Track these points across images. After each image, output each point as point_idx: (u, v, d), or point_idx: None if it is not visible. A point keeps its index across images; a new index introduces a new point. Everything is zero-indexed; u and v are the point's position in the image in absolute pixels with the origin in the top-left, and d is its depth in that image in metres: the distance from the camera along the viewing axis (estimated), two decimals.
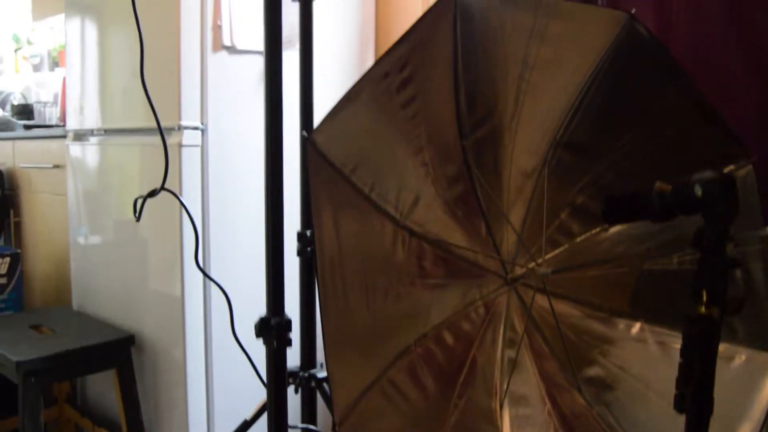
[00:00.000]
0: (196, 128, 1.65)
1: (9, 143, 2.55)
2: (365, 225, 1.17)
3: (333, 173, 1.06)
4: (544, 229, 1.36)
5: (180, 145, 1.62)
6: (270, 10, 1.06)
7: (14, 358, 1.58)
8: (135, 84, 1.71)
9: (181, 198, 1.46)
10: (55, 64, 3.79)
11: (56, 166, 2.25)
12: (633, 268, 1.39)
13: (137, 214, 1.29)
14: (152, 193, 1.27)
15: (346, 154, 1.06)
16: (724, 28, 1.47)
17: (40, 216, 2.42)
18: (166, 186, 1.24)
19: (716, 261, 0.91)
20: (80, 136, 2.01)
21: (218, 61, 1.68)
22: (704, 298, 0.90)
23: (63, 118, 2.66)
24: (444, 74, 1.18)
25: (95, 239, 2.03)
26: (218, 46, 1.68)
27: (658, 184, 1.00)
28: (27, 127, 2.46)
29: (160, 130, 1.25)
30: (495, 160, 1.33)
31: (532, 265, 1.33)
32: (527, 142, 1.35)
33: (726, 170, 1.35)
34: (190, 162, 1.64)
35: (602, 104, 1.34)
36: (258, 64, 1.77)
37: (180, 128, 1.62)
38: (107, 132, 1.89)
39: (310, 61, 1.49)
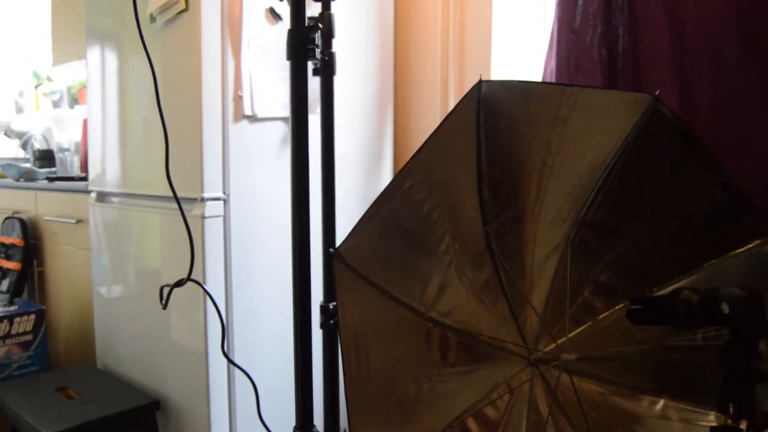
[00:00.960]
0: (218, 199, 1.67)
1: (32, 193, 2.59)
2: (389, 319, 1.18)
3: (357, 279, 1.07)
4: (567, 308, 1.37)
5: (203, 217, 1.64)
6: (296, 81, 1.05)
7: (44, 431, 1.61)
8: (156, 151, 1.74)
9: (205, 287, 1.48)
10: (74, 101, 3.83)
11: (79, 221, 2.28)
12: (657, 344, 1.39)
13: (164, 303, 1.31)
14: (179, 283, 1.29)
15: (369, 260, 1.08)
16: (751, 107, 1.46)
17: (64, 267, 2.45)
18: (189, 256, 1.26)
19: (743, 377, 0.91)
20: (102, 196, 2.04)
21: (239, 130, 1.70)
22: (731, 411, 0.90)
23: (84, 166, 2.69)
24: (467, 169, 1.19)
25: (118, 296, 2.06)
26: (239, 116, 1.70)
27: (685, 292, 1.00)
28: (50, 179, 2.49)
29: (186, 224, 1.26)
30: (518, 243, 1.34)
31: (553, 346, 1.34)
32: (550, 222, 1.36)
33: (751, 245, 1.35)
34: (212, 233, 1.66)
35: (626, 184, 1.34)
36: (278, 129, 1.79)
37: (202, 200, 1.64)
38: (129, 195, 1.92)
39: (331, 124, 1.50)
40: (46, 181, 2.52)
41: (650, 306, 1.05)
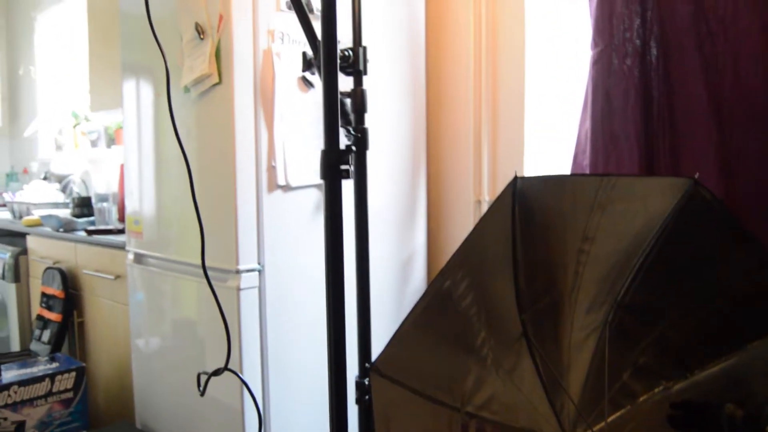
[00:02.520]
0: (253, 270, 1.68)
1: (72, 244, 2.64)
2: (425, 416, 1.17)
3: (394, 385, 1.06)
4: (606, 392, 1.34)
5: (238, 289, 1.65)
6: (331, 200, 1.05)
7: None
8: (192, 219, 1.76)
9: (242, 376, 1.49)
10: (111, 140, 3.91)
11: (118, 277, 2.32)
12: None
13: (201, 390, 1.32)
14: (216, 373, 1.30)
15: (405, 365, 1.07)
16: None
17: (103, 320, 2.49)
18: (227, 339, 1.27)
19: None
20: (140, 257, 2.07)
21: (273, 200, 1.71)
22: None
23: (121, 214, 2.75)
24: (504, 263, 1.18)
25: (156, 352, 2.08)
26: (273, 185, 1.71)
27: (729, 407, 0.97)
28: (89, 232, 2.53)
29: (222, 315, 1.27)
30: (554, 329, 1.32)
31: None
32: (587, 307, 1.34)
33: None
34: (248, 304, 1.67)
35: (665, 266, 1.32)
36: (311, 196, 1.80)
37: (238, 272, 1.65)
38: (166, 260, 1.94)
39: (364, 199, 1.49)
40: (84, 233, 2.57)
41: (692, 413, 1.02)
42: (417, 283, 2.13)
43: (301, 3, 1.37)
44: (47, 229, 2.84)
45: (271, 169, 1.71)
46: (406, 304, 2.09)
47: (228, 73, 1.64)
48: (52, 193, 3.43)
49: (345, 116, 1.50)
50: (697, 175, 1.28)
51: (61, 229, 2.73)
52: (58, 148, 4.47)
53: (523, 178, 1.13)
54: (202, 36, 1.70)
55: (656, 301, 1.35)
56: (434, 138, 2.20)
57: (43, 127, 4.52)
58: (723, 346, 1.34)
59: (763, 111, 1.54)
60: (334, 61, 1.03)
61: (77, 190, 3.40)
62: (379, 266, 1.95)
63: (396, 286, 2.06)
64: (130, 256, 2.10)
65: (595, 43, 1.77)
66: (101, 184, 3.43)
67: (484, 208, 2.07)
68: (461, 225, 2.15)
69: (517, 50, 1.99)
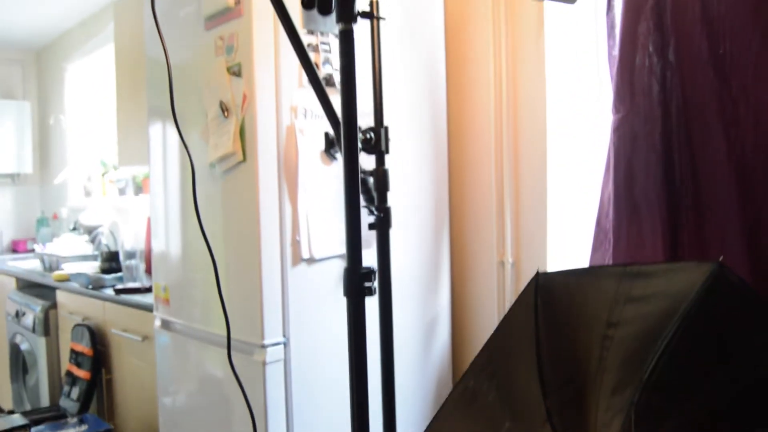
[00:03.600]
0: (278, 344, 1.69)
1: (100, 302, 2.68)
2: None
3: None
4: None
5: (264, 364, 1.67)
6: (354, 317, 1.07)
7: None
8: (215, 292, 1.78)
9: None
10: (139, 189, 3.99)
11: (145, 338, 2.35)
12: None
13: None
14: None
15: None
16: None
17: (131, 379, 2.52)
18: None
19: None
20: (167, 323, 2.10)
21: (297, 273, 1.73)
22: None
23: (148, 266, 2.79)
24: (528, 355, 1.18)
25: (184, 416, 2.09)
26: (297, 259, 1.73)
27: None
28: (117, 291, 2.58)
29: (247, 403, 1.28)
30: (579, 414, 1.31)
31: None
32: (612, 389, 1.33)
33: None
34: (273, 378, 1.68)
35: (692, 347, 1.31)
36: (335, 267, 1.81)
37: (263, 347, 1.67)
38: (192, 329, 1.96)
39: (388, 278, 1.50)
40: (113, 292, 2.61)
41: None
42: (441, 347, 2.13)
43: (322, 87, 1.39)
44: (76, 285, 2.89)
45: (296, 243, 1.73)
46: (430, 369, 2.09)
47: (252, 151, 1.68)
48: (81, 245, 3.50)
49: (367, 193, 1.52)
50: (721, 258, 1.28)
51: (90, 286, 2.77)
52: (87, 194, 4.56)
53: (545, 273, 1.14)
54: (226, 114, 1.74)
55: (683, 381, 1.33)
56: (457, 199, 2.21)
57: (73, 174, 4.62)
58: (752, 425, 1.32)
59: None
60: (355, 155, 1.04)
61: (105, 242, 3.46)
62: (403, 330, 1.95)
63: (420, 350, 2.06)
64: (158, 322, 2.13)
65: (616, 108, 1.77)
66: (129, 236, 3.50)
67: (508, 269, 2.07)
68: (485, 286, 2.15)
69: (538, 111, 2.00)
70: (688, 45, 1.64)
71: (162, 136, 2.14)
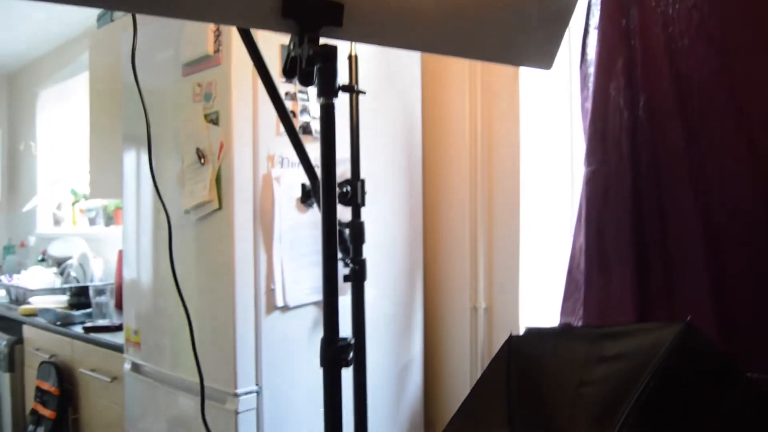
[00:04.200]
0: (251, 392, 1.68)
1: (68, 340, 2.63)
2: None
3: None
4: None
5: (236, 413, 1.65)
6: (329, 388, 1.06)
7: None
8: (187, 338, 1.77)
9: None
10: (110, 219, 3.94)
11: (114, 379, 2.31)
12: None
13: None
14: None
15: None
16: None
17: (99, 420, 2.47)
18: None
19: None
20: (138, 367, 2.07)
21: (271, 321, 1.72)
22: None
23: (118, 302, 2.75)
24: (498, 416, 1.19)
25: None
26: (271, 307, 1.73)
27: None
28: (86, 329, 2.53)
29: None
30: None
31: None
32: None
33: None
34: (245, 427, 1.67)
35: (659, 406, 1.33)
36: (309, 314, 1.81)
37: (236, 395, 1.66)
38: (164, 374, 1.94)
39: (362, 335, 1.51)
40: (81, 329, 2.56)
41: None
42: (414, 393, 2.13)
43: (299, 139, 1.40)
44: (44, 321, 2.83)
45: (270, 292, 1.72)
46: (402, 415, 2.09)
47: (228, 200, 1.68)
48: (49, 277, 3.44)
49: (343, 244, 1.53)
50: (689, 318, 1.31)
51: (58, 323, 2.72)
52: (56, 223, 4.50)
53: (518, 336, 1.15)
54: (202, 161, 1.74)
55: None
56: (431, 245, 2.22)
57: (42, 202, 4.55)
58: None
59: (751, 231, 1.57)
60: (333, 232, 1.05)
61: (75, 274, 3.41)
62: (375, 374, 1.95)
63: (393, 397, 2.06)
64: (128, 365, 2.10)
65: (589, 161, 1.81)
66: (99, 269, 3.45)
67: (480, 314, 2.09)
68: (458, 331, 2.16)
69: (512, 161, 2.04)
70: (658, 102, 1.69)
71: (136, 171, 2.12)
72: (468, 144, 2.12)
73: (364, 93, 1.22)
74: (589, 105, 1.83)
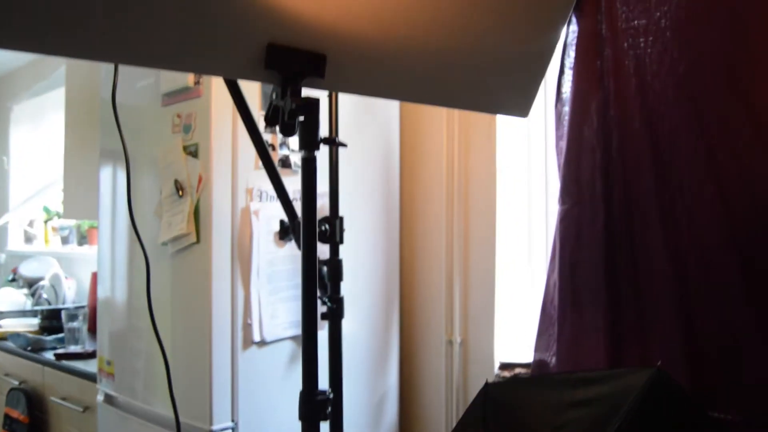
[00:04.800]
0: (226, 428, 1.68)
1: (39, 366, 2.60)
2: None
3: None
4: None
5: None
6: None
7: None
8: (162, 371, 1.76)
9: None
10: (83, 238, 3.90)
11: (87, 409, 2.28)
12: None
13: None
14: None
15: None
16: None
17: None
18: None
19: None
20: (111, 398, 2.05)
21: (248, 356, 1.72)
22: None
23: (92, 324, 2.72)
24: None
25: None
26: (248, 342, 1.73)
27: None
28: (58, 356, 2.50)
29: None
30: None
31: None
32: None
33: None
34: None
35: None
36: (286, 349, 1.81)
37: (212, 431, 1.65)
38: (138, 407, 1.92)
39: (339, 368, 1.51)
40: (53, 356, 2.53)
41: None
42: (389, 425, 2.14)
43: (277, 175, 1.41)
44: (13, 346, 2.79)
45: (247, 326, 1.72)
46: None
47: (206, 233, 1.68)
48: (20, 299, 3.39)
49: (321, 281, 1.54)
50: (659, 363, 1.34)
51: (29, 348, 2.68)
52: (28, 240, 4.44)
53: (494, 384, 1.17)
54: (181, 193, 1.74)
55: None
56: (408, 278, 2.24)
57: (14, 219, 4.49)
58: None
59: (719, 271, 1.60)
60: (313, 282, 1.06)
61: (46, 296, 3.36)
62: (351, 407, 1.95)
63: (368, 430, 2.06)
64: (101, 397, 2.08)
65: (563, 200, 1.84)
66: (71, 290, 3.41)
67: (456, 348, 2.10)
68: (433, 365, 2.17)
69: (488, 195, 2.06)
70: (630, 143, 1.73)
71: (112, 192, 2.10)
72: (445, 179, 2.14)
73: (345, 146, 1.24)
74: (563, 144, 1.86)
